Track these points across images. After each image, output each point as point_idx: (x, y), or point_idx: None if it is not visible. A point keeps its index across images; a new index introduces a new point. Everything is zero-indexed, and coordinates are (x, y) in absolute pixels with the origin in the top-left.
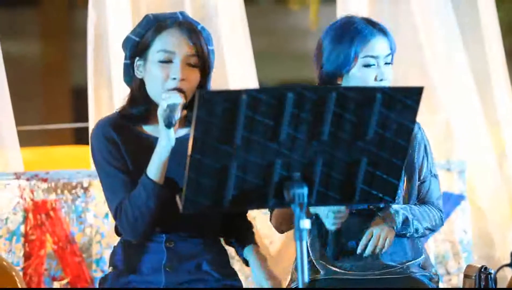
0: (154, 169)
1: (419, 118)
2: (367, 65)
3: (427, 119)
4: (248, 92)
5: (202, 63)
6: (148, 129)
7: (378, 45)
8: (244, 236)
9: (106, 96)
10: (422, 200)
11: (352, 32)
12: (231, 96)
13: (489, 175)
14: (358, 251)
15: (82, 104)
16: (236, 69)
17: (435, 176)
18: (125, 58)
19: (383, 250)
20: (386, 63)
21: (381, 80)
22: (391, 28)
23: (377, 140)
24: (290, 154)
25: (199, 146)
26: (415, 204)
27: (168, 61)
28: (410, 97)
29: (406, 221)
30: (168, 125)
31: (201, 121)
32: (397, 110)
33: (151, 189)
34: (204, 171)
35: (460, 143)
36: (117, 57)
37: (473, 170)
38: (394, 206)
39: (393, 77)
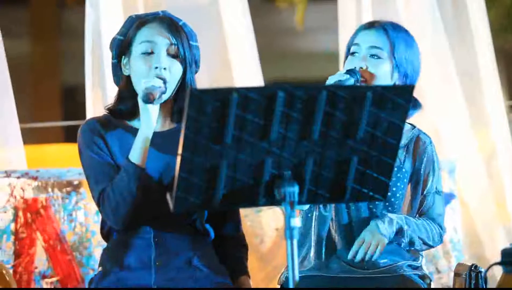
0: (136, 152)
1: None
2: (352, 53)
3: (415, 119)
4: (238, 90)
5: (183, 54)
6: (135, 124)
7: (363, 36)
8: (237, 267)
9: (101, 95)
10: (423, 214)
11: None
12: (222, 95)
13: (478, 175)
14: (349, 257)
15: (72, 103)
16: (241, 68)
17: (439, 193)
18: (112, 58)
19: (374, 257)
20: (371, 55)
21: (360, 67)
22: None
23: (367, 139)
24: (281, 153)
25: (190, 144)
26: (415, 217)
27: (150, 52)
28: (401, 95)
29: (400, 231)
30: (147, 100)
31: (192, 120)
32: (388, 108)
33: (133, 172)
34: (194, 170)
35: (448, 144)
36: (110, 57)
37: (462, 170)
38: (391, 215)
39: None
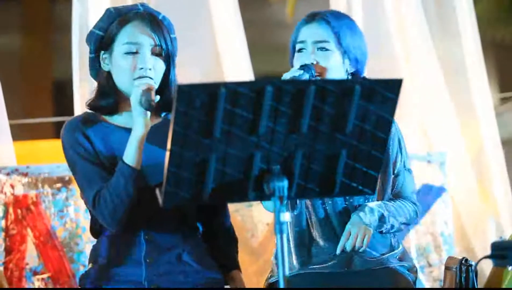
0: (131, 155)
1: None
2: (298, 50)
3: (403, 114)
4: (226, 85)
5: (166, 51)
6: (117, 120)
7: (306, 31)
8: (227, 261)
9: (89, 89)
10: (397, 194)
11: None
12: (210, 89)
13: (467, 168)
14: (337, 251)
15: (64, 98)
16: (231, 62)
17: (409, 170)
18: (90, 52)
19: (362, 249)
20: (319, 48)
21: (311, 62)
22: (359, 20)
23: (356, 133)
24: (270, 147)
25: (179, 139)
26: (389, 199)
27: (135, 52)
28: (390, 89)
29: (382, 218)
30: (149, 107)
31: (181, 114)
32: (377, 102)
33: (129, 175)
34: (183, 165)
35: (436, 138)
36: None
37: (452, 164)
38: (370, 204)
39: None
